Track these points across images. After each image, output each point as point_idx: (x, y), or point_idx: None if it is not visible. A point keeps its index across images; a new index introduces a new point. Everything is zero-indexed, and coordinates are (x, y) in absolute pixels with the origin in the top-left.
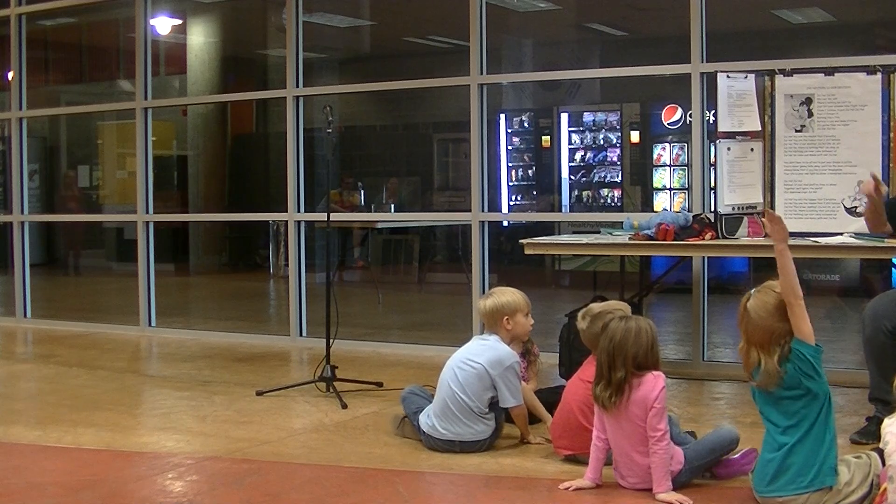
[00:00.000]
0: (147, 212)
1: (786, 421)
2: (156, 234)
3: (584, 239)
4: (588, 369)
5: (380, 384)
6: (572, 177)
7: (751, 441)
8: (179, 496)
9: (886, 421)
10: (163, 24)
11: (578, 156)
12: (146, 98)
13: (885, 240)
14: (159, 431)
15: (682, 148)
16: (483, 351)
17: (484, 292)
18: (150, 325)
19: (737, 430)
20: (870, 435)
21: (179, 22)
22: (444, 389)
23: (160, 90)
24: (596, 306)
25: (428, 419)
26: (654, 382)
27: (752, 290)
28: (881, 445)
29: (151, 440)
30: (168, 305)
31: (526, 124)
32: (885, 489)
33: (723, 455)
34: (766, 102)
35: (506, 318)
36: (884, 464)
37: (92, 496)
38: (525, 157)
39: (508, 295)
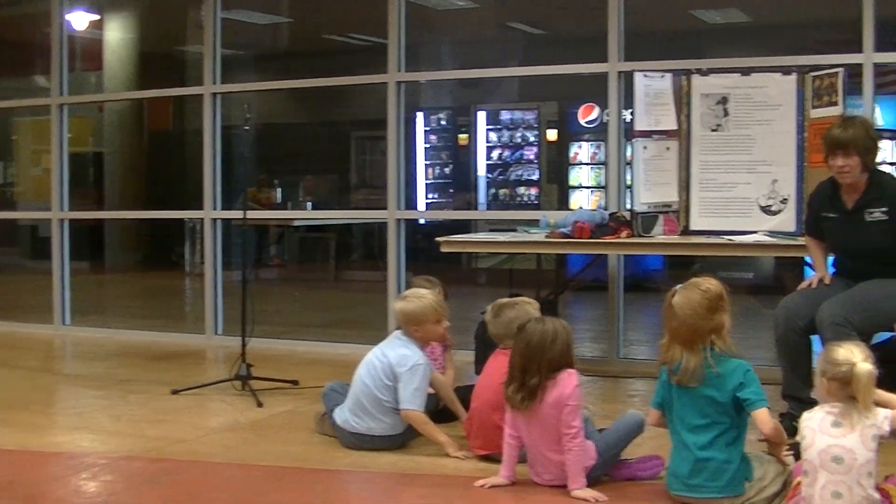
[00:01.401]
0: (62, 209)
1: (697, 419)
2: (71, 231)
3: (501, 237)
4: (494, 365)
5: (295, 382)
6: (489, 175)
7: (664, 437)
8: (94, 496)
9: (805, 415)
10: (79, 20)
11: (496, 154)
12: (62, 94)
13: (798, 238)
14: (74, 431)
15: (598, 146)
16: (396, 347)
17: (400, 290)
18: (64, 323)
19: (641, 413)
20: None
21: (96, 17)
22: (358, 384)
23: (76, 86)
24: (502, 300)
25: (342, 413)
26: (567, 381)
27: (678, 286)
28: (798, 439)
29: (66, 440)
30: (83, 303)
31: (443, 122)
32: (799, 483)
33: (631, 440)
34: (682, 102)
35: (414, 326)
36: (798, 458)
37: (6, 497)
38: (442, 156)
39: (418, 303)
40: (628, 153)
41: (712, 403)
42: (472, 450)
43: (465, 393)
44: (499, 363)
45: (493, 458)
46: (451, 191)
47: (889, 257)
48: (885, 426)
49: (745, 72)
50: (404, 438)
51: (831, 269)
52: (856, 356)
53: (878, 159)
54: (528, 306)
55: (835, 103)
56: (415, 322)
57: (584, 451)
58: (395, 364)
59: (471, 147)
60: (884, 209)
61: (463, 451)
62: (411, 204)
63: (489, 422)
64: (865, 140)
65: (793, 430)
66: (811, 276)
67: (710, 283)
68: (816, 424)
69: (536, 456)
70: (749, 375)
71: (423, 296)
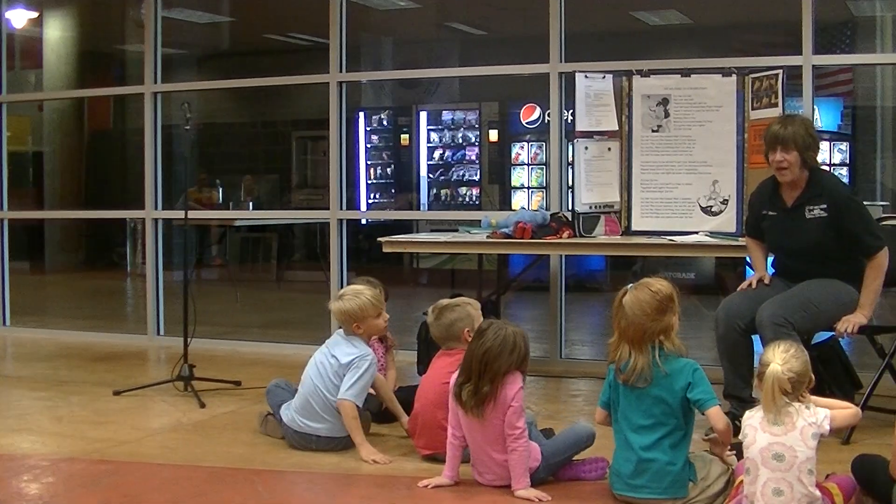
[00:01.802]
0: (2, 209)
1: (642, 420)
2: (10, 231)
3: (443, 237)
4: (438, 365)
5: (238, 383)
6: (431, 175)
7: (608, 437)
8: (35, 498)
9: (747, 414)
10: (18, 17)
11: (437, 154)
12: (1, 92)
13: (739, 238)
14: (14, 433)
15: (540, 147)
16: (342, 346)
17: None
18: (4, 324)
19: (593, 426)
20: None
21: (35, 15)
22: (307, 385)
23: (15, 85)
24: (444, 301)
25: (288, 411)
26: (511, 383)
27: (630, 286)
28: (740, 438)
29: (6, 442)
30: (23, 304)
31: (385, 122)
32: (741, 482)
33: (579, 451)
34: (623, 102)
35: (355, 324)
36: (741, 457)
37: None
38: (384, 156)
39: (356, 301)
40: (570, 154)
41: (659, 404)
42: (417, 449)
43: (408, 393)
44: (442, 363)
45: (438, 457)
46: (393, 191)
47: (828, 255)
48: (826, 425)
49: (686, 73)
50: (349, 441)
51: (771, 270)
52: (776, 357)
53: (817, 159)
54: (470, 307)
55: (774, 105)
56: (356, 319)
57: (528, 451)
58: (345, 363)
59: (412, 147)
60: (823, 206)
61: (380, 456)
62: (353, 204)
63: (433, 421)
64: (805, 137)
65: (735, 430)
66: (751, 276)
67: (660, 284)
68: (757, 423)
69: (479, 456)
70: (697, 374)
71: (359, 292)
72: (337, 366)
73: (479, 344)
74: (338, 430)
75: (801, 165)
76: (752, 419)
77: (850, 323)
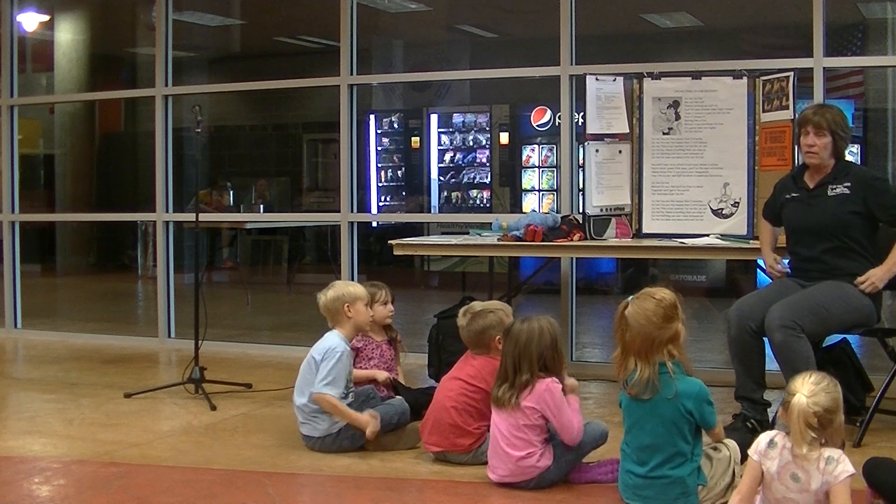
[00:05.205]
0: (13, 211)
1: (649, 440)
2: (22, 234)
3: (453, 240)
4: (463, 367)
5: (249, 385)
6: (441, 178)
7: (619, 440)
8: (46, 500)
9: (766, 450)
10: (29, 20)
11: (448, 157)
12: (12, 96)
13: (750, 241)
14: (25, 435)
15: (550, 149)
16: (319, 343)
17: None
18: (15, 326)
19: (605, 424)
20: (736, 432)
21: (47, 18)
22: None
23: (27, 87)
24: (478, 304)
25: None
26: (549, 384)
27: (630, 297)
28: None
29: (17, 444)
30: (34, 306)
31: (395, 125)
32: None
33: (593, 449)
34: (634, 105)
35: (346, 305)
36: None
37: None
38: (394, 158)
39: (350, 286)
40: (580, 156)
41: (666, 424)
42: (427, 447)
43: (420, 396)
44: (466, 366)
45: (447, 457)
46: (404, 194)
47: (846, 233)
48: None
49: (696, 76)
50: (333, 441)
51: (787, 271)
52: (804, 388)
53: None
54: (502, 313)
55: (785, 107)
56: (349, 300)
57: (545, 451)
58: (318, 354)
59: (423, 150)
60: (847, 185)
61: (375, 423)
62: (364, 207)
63: (446, 418)
64: (842, 125)
65: (748, 429)
66: (768, 261)
67: (664, 293)
68: (776, 469)
69: (496, 449)
70: (702, 398)
71: (350, 282)
72: (310, 360)
73: (508, 341)
74: (320, 430)
75: (831, 152)
76: (772, 462)
77: (870, 279)
